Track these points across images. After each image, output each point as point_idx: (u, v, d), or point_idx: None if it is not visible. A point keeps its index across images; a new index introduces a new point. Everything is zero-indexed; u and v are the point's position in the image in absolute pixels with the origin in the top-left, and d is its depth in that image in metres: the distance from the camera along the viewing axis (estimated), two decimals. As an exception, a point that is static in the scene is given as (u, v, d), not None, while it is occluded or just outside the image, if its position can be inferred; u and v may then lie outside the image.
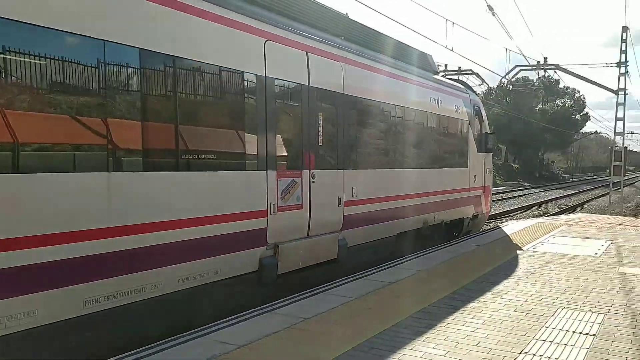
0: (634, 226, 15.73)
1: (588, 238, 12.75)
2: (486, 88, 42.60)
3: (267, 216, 7.16)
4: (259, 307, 6.36)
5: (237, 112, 6.89)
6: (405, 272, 8.53)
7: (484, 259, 9.85)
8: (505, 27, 53.27)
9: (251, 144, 6.98)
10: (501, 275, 8.38)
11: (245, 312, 6.17)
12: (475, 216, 14.32)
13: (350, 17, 9.96)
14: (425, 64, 12.51)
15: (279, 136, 7.53)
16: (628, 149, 34.80)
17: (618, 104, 25.03)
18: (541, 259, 9.91)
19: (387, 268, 8.85)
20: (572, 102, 73.00)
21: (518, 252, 10.60)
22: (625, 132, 26.25)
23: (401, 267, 9.03)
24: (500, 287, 7.60)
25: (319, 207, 8.23)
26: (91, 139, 5.17)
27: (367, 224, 9.52)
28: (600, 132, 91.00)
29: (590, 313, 6.34)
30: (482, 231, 13.67)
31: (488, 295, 7.16)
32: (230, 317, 5.96)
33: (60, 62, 4.91)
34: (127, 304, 5.38)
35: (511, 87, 27.02)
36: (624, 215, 22.67)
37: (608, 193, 33.11)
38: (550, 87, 66.86)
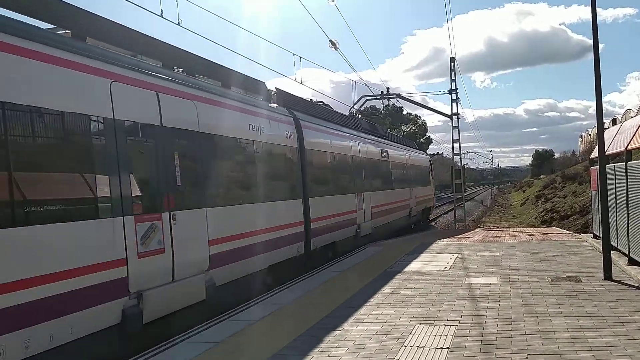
0: (476, 238, 17.21)
1: (438, 253, 13.67)
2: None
3: None
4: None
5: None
6: (272, 307, 8.41)
7: (347, 284, 10.08)
8: (348, 61, 56.41)
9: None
10: (362, 299, 8.60)
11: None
12: (432, 206, 33.08)
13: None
14: (411, 143, 30.67)
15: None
16: (466, 167, 38.22)
17: (453, 127, 27.48)
18: (399, 278, 10.38)
19: (256, 303, 8.68)
20: (415, 128, 79.21)
21: (378, 273, 11.01)
22: (462, 151, 28.85)
23: (268, 301, 8.91)
24: (361, 311, 7.78)
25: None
26: None
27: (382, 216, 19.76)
28: (442, 153, 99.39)
29: (444, 326, 6.71)
30: (344, 256, 14.06)
31: (351, 320, 7.29)
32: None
33: None
34: None
35: (360, 116, 28.62)
36: (467, 229, 24.77)
37: (453, 209, 36.05)
38: (396, 115, 72.00)
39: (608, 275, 9.14)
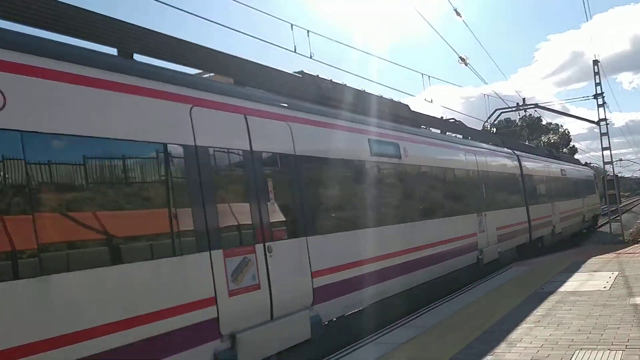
0: (637, 253, 15.56)
1: (595, 271, 12.56)
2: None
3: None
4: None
5: None
6: (415, 330, 8.29)
7: (494, 306, 9.64)
8: (479, 75, 54.49)
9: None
10: (513, 322, 8.17)
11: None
12: (599, 214, 35.29)
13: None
14: (576, 160, 36.91)
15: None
16: (619, 175, 35.18)
17: (602, 134, 25.32)
18: (551, 299, 9.71)
19: (396, 327, 8.62)
20: (557, 138, 74.06)
21: (528, 294, 10.39)
22: (614, 159, 26.43)
23: (411, 324, 8.79)
24: (513, 335, 7.38)
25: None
26: None
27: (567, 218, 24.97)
28: (590, 163, 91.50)
29: (608, 352, 6.13)
30: (489, 276, 13.49)
31: (502, 345, 6.94)
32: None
33: None
34: None
35: (495, 130, 27.56)
36: (626, 244, 22.45)
37: (608, 222, 32.96)
38: (534, 125, 68.03)
39: None
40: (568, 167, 29.18)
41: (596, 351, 6.21)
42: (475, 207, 14.25)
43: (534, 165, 21.57)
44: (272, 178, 7.18)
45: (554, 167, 25.24)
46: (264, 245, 6.69)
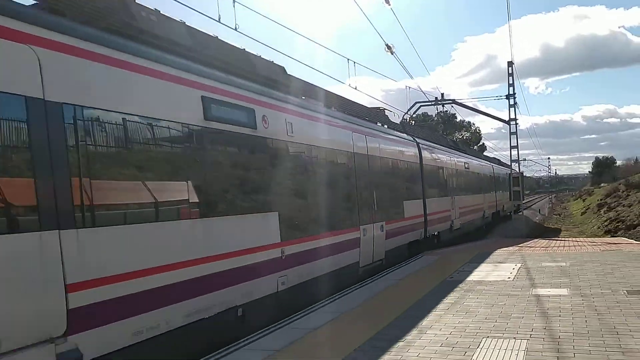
0: (538, 247, 16.47)
1: (500, 263, 13.11)
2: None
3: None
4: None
5: None
6: (327, 315, 8.19)
7: (405, 293, 9.74)
8: (404, 66, 55.30)
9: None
10: (423, 309, 8.26)
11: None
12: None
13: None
14: (503, 163, 46.12)
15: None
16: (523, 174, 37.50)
17: (511, 133, 26.65)
18: (460, 288, 9.96)
19: (309, 313, 8.48)
20: (469, 135, 77.44)
21: (437, 283, 10.61)
22: (520, 159, 27.87)
23: (323, 309, 8.70)
24: (424, 322, 7.45)
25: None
26: None
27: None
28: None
29: (514, 340, 6.30)
30: (401, 264, 13.72)
31: (413, 332, 6.97)
32: None
33: None
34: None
35: (413, 122, 28.32)
36: (527, 238, 23.82)
37: (510, 217, 34.89)
38: (449, 122, 70.62)
39: (691, 288, 8.46)
40: (498, 168, 43.04)
41: (502, 339, 6.36)
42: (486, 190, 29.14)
43: (499, 170, 37.18)
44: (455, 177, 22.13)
45: (499, 170, 38.96)
46: (454, 197, 20.53)
